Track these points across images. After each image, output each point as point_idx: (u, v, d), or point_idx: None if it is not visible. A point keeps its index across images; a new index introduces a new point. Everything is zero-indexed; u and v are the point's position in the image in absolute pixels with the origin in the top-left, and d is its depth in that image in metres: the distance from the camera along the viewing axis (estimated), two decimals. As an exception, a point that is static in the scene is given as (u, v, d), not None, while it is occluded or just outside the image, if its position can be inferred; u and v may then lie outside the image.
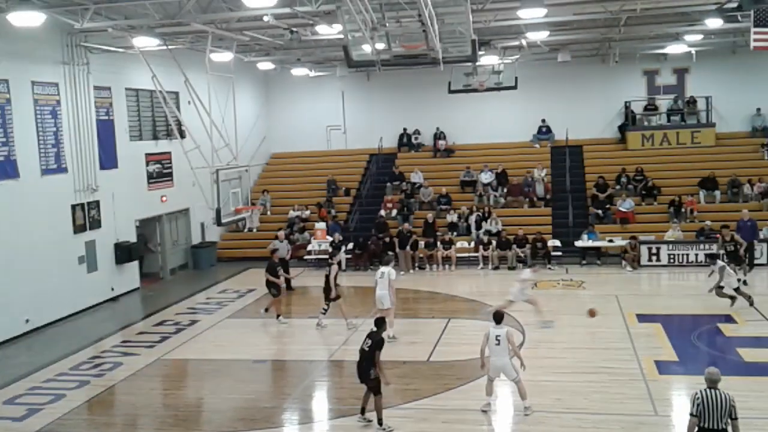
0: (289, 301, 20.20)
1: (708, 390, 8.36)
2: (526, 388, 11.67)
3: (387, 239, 24.48)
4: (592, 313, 15.68)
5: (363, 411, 11.50)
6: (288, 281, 20.72)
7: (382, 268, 16.36)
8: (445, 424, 11.39)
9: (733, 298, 17.22)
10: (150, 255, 24.34)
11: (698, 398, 8.31)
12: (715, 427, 8.24)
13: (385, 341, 11.43)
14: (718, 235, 21.03)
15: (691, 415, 8.32)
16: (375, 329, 11.40)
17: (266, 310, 18.36)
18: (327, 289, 17.19)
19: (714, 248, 20.84)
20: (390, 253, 22.65)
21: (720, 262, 17.50)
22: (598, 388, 12.67)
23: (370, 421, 11.37)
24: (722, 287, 17.18)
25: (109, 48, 20.33)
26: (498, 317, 11.89)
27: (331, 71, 28.67)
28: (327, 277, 17.18)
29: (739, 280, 18.04)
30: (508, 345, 11.51)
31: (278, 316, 18.04)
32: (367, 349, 11.18)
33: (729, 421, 8.27)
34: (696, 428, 8.32)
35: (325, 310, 17.25)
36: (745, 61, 27.43)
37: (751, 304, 17.29)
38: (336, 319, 17.10)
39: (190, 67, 20.94)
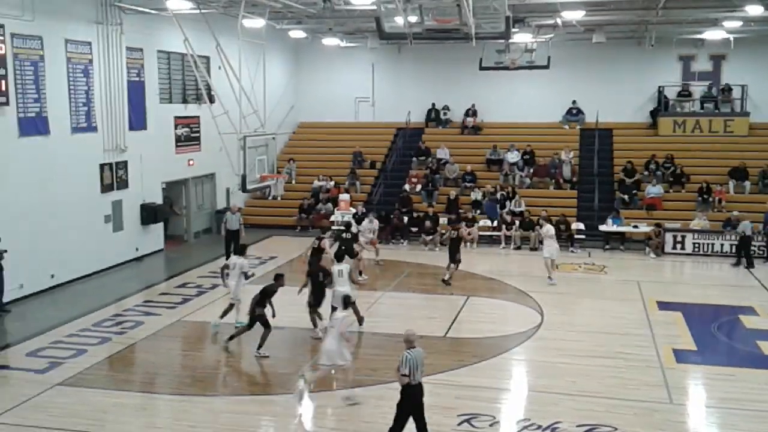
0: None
1: (411, 350, 9.38)
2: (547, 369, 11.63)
3: (412, 214, 24.55)
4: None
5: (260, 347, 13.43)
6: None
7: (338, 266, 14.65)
8: (457, 399, 11.44)
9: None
10: (175, 218, 24.56)
11: (409, 359, 9.28)
12: (418, 380, 9.38)
13: (275, 292, 13.61)
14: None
15: (404, 375, 9.27)
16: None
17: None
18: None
19: None
20: (413, 228, 22.74)
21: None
22: (613, 373, 12.65)
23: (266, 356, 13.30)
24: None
25: (143, 9, 20.39)
26: None
27: (362, 42, 28.50)
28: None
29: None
30: None
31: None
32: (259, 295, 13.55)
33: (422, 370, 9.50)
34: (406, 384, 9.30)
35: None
36: (785, 50, 26.92)
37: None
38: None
39: (222, 32, 20.91)
